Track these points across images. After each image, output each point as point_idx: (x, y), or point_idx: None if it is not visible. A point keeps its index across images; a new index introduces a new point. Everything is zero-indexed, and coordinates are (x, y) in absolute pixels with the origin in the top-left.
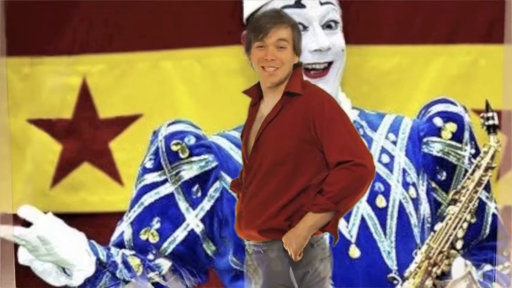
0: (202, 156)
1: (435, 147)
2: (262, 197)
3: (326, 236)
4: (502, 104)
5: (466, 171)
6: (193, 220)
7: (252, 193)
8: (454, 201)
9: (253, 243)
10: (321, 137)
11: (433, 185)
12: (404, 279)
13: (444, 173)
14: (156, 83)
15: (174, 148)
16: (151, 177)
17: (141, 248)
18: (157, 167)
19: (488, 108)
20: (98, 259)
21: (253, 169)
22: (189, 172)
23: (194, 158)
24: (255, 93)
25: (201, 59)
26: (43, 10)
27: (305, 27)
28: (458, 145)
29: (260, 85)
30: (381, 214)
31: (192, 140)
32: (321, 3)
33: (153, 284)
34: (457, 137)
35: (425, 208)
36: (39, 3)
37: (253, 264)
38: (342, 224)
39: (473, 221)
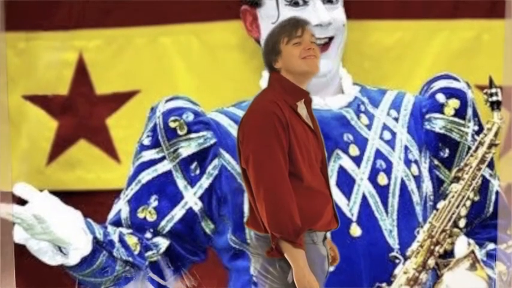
0: (201, 133)
1: (438, 123)
2: None
3: None
4: (502, 81)
5: (469, 148)
6: (191, 198)
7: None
8: (457, 179)
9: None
10: None
11: (436, 162)
12: (406, 258)
13: (447, 150)
14: (153, 58)
15: (172, 125)
16: (148, 155)
17: (139, 227)
18: (155, 144)
19: (491, 84)
20: (95, 238)
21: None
22: (187, 149)
23: (192, 135)
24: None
25: (200, 34)
26: None
27: (305, 2)
28: (461, 122)
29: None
30: (383, 192)
31: (190, 117)
32: None
33: (150, 263)
34: (460, 113)
35: (427, 186)
36: None
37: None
38: (343, 202)
39: (476, 199)
